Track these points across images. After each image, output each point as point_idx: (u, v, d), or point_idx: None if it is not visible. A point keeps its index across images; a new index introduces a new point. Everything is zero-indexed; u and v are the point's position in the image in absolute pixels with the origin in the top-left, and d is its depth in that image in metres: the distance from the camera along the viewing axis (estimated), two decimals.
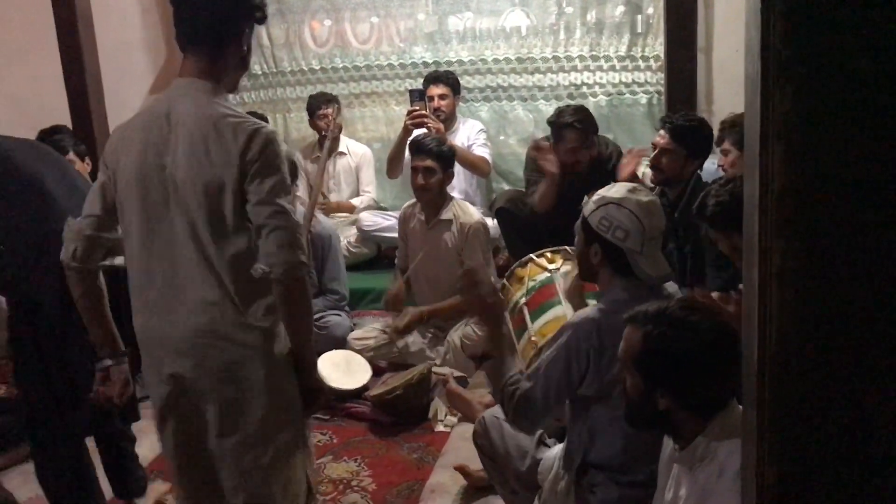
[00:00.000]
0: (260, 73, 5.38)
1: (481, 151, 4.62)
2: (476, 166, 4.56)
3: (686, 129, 3.20)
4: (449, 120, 4.65)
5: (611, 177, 3.76)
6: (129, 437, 2.95)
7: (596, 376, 1.98)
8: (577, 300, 2.54)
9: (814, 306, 0.88)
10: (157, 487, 3.02)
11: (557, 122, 3.86)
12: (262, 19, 1.96)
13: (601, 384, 1.98)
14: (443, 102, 4.60)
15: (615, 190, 2.08)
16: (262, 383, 1.91)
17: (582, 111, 3.91)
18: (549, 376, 2.02)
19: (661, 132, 3.26)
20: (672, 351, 1.56)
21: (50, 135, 4.16)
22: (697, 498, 1.57)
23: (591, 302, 2.49)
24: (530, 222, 4.02)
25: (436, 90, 4.62)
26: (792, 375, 0.90)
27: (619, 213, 2.00)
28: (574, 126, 3.80)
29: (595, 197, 2.07)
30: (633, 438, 1.96)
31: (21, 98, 5.24)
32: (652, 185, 3.39)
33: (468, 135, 4.68)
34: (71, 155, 3.63)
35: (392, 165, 4.64)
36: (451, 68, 4.97)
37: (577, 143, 3.82)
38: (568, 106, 4.05)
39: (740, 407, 1.61)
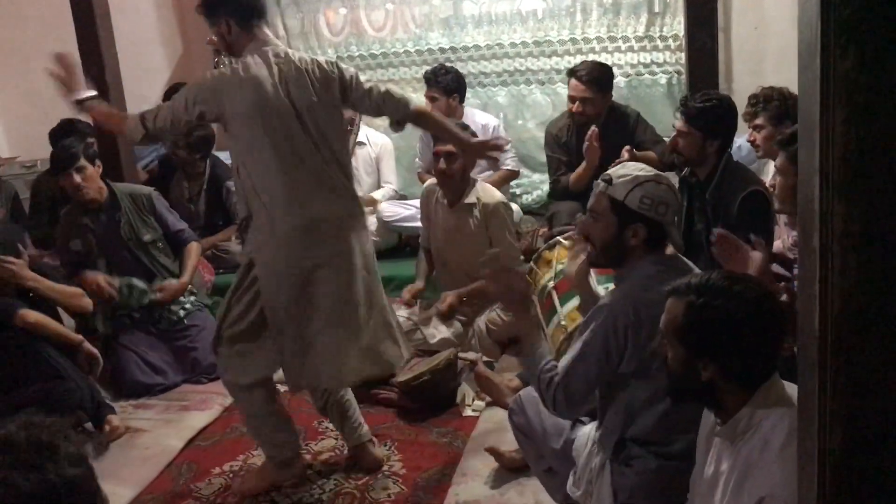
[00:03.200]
0: None
1: (506, 160, 4.59)
2: (506, 182, 4.61)
3: (700, 111, 3.17)
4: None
5: (630, 138, 3.98)
6: None
7: (635, 352, 1.98)
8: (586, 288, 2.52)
9: (877, 269, 0.88)
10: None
11: (569, 70, 4.18)
12: None
13: (640, 360, 1.98)
14: (435, 104, 4.48)
15: (638, 168, 2.10)
16: (363, 248, 2.77)
17: (593, 66, 4.12)
18: (587, 359, 2.02)
19: (677, 115, 3.27)
20: (717, 320, 1.56)
21: (61, 137, 4.26)
22: (741, 471, 1.56)
23: (603, 287, 2.49)
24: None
25: (428, 92, 4.54)
26: (856, 339, 0.89)
27: (658, 190, 2.03)
28: (575, 75, 4.07)
29: (621, 180, 2.05)
30: (670, 411, 1.96)
31: (39, 94, 5.27)
32: (677, 167, 3.38)
33: (481, 135, 4.57)
34: (82, 161, 3.74)
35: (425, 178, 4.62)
36: (467, 53, 4.98)
37: (573, 91, 4.06)
38: (589, 61, 4.29)
39: (782, 381, 1.61)
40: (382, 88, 2.74)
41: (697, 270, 2.05)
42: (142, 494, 2.94)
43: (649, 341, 1.91)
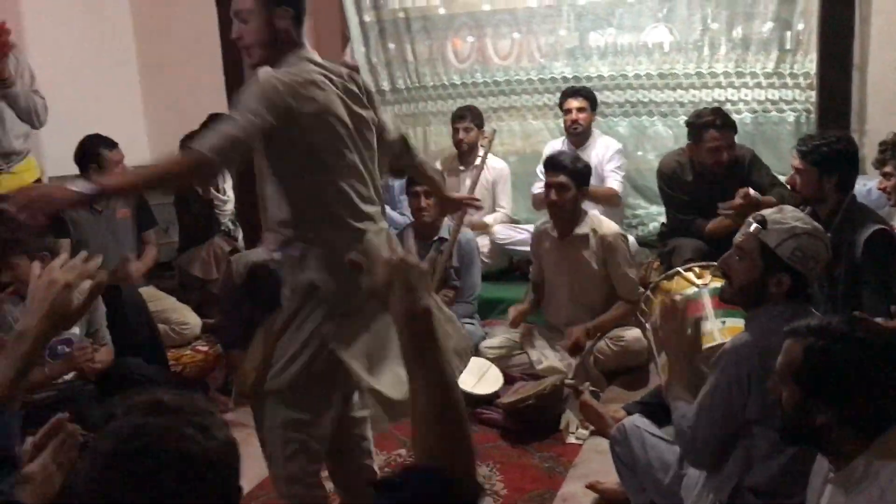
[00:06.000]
0: (403, 87, 5.56)
1: (612, 180, 4.60)
2: (604, 201, 4.53)
3: (814, 147, 3.14)
4: (584, 134, 4.66)
5: (746, 180, 3.84)
6: None
7: (758, 399, 1.94)
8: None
9: None
10: None
11: (697, 123, 3.95)
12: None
13: (764, 407, 1.94)
14: (581, 115, 4.61)
15: (796, 218, 2.06)
16: None
17: (721, 112, 3.98)
18: (712, 407, 2.01)
19: (794, 152, 3.24)
20: (836, 365, 1.54)
21: None
22: None
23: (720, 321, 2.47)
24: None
25: (574, 103, 4.64)
26: None
27: (814, 245, 2.01)
28: (715, 125, 3.87)
29: (777, 226, 2.03)
30: (792, 462, 1.91)
31: (182, 104, 5.62)
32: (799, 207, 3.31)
33: (602, 154, 4.65)
34: None
35: (540, 205, 4.68)
36: (590, 83, 4.99)
37: (717, 142, 3.88)
38: (706, 108, 4.13)
39: None
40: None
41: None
42: (255, 490, 3.07)
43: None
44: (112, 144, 4.25)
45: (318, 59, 2.25)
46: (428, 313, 1.30)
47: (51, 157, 4.76)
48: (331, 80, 2.19)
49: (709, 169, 3.92)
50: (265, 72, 2.20)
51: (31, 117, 3.88)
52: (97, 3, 5.55)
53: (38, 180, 4.07)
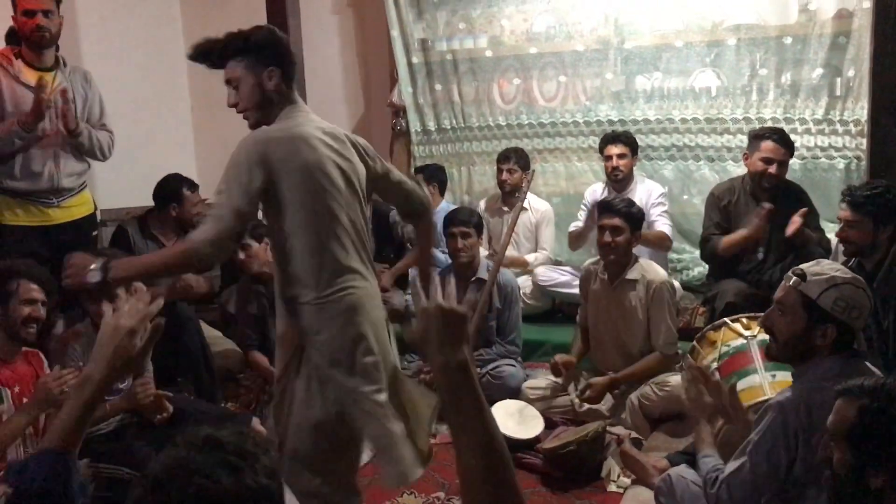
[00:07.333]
0: (448, 127, 5.62)
1: (661, 224, 4.54)
2: (655, 245, 4.46)
3: (867, 199, 3.14)
4: (626, 180, 4.63)
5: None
6: None
7: (807, 457, 1.92)
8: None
9: None
10: None
11: (758, 132, 4.07)
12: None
13: (813, 465, 1.91)
14: (621, 162, 4.57)
15: (835, 269, 2.06)
16: None
17: (783, 130, 4.09)
18: (754, 458, 1.98)
19: (842, 205, 3.23)
20: (893, 426, 1.50)
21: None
22: None
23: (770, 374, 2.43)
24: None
25: (614, 149, 4.60)
26: None
27: (857, 294, 2.00)
28: (773, 137, 3.95)
29: (816, 278, 2.03)
30: None
31: (232, 142, 5.71)
32: (845, 258, 3.27)
33: (645, 199, 4.60)
34: (246, 239, 4.03)
35: (575, 243, 4.69)
36: (636, 127, 4.99)
37: (772, 153, 3.93)
38: (768, 126, 4.28)
39: None
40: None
41: (880, 375, 1.97)
42: None
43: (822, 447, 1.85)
44: (194, 186, 4.33)
45: (310, 115, 2.39)
46: (464, 365, 1.24)
47: (102, 190, 4.88)
48: (320, 136, 2.30)
49: (759, 187, 3.96)
50: (246, 138, 2.34)
51: (96, 154, 3.98)
52: (153, 41, 5.72)
53: (93, 214, 4.15)
